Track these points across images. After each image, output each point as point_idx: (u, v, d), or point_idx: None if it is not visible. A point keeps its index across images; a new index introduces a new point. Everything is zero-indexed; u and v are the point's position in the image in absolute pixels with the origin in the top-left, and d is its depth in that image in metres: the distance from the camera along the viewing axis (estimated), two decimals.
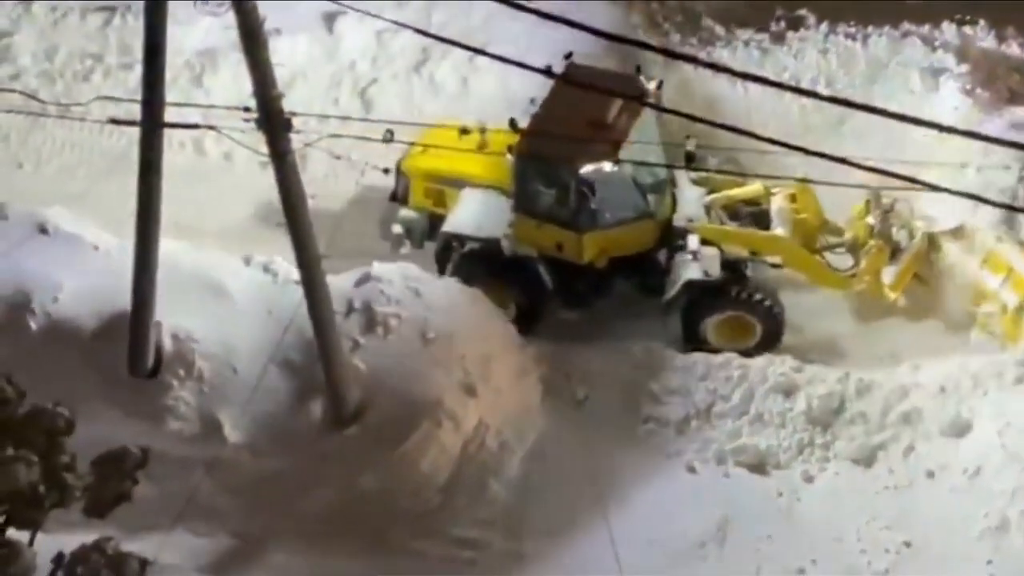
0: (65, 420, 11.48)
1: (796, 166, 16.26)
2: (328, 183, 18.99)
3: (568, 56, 16.46)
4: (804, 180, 16.21)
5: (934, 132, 10.13)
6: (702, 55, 18.83)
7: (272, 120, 13.29)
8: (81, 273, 16.09)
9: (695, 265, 16.52)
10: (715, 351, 16.74)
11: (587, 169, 15.93)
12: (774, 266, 17.02)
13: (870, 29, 19.42)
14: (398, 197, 17.94)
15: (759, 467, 15.81)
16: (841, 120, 18.32)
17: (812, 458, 15.85)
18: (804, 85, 18.16)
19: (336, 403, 15.31)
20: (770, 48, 19.60)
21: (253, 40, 12.99)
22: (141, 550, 12.18)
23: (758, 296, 16.67)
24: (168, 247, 14.99)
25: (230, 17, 13.03)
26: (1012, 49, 19.12)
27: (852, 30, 19.50)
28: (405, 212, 17.83)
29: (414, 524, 15.12)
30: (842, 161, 11.95)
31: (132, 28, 20.14)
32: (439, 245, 17.32)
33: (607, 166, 15.87)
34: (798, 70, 19.01)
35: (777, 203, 17.20)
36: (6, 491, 10.92)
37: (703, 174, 17.26)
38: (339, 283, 15.79)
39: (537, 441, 15.94)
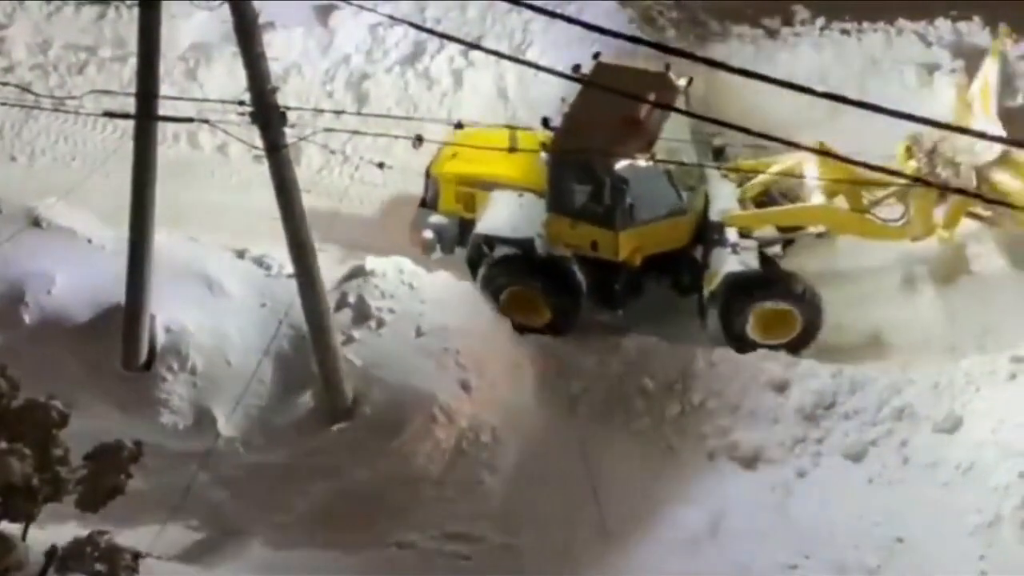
0: (59, 413, 11.49)
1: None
2: (322, 177, 19.02)
3: (596, 56, 16.44)
4: (818, 150, 15.81)
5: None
6: (698, 51, 18.82)
7: (266, 114, 13.29)
8: (75, 266, 16.08)
9: (734, 258, 16.45)
10: (755, 348, 16.63)
11: (622, 166, 15.88)
12: (819, 236, 16.83)
13: (865, 25, 19.41)
14: (428, 202, 17.73)
15: (752, 462, 15.84)
16: (835, 116, 18.32)
17: (805, 454, 15.88)
18: (799, 81, 18.15)
19: (330, 397, 15.32)
20: (765, 44, 19.59)
21: (247, 34, 12.98)
22: (134, 543, 12.18)
23: (797, 285, 16.55)
24: (162, 240, 14.99)
25: (225, 11, 13.02)
26: (1006, 46, 19.10)
27: (847, 26, 19.50)
28: (435, 217, 17.60)
29: (408, 518, 15.14)
30: (837, 158, 11.99)
31: (126, 21, 20.10)
32: (471, 248, 17.16)
33: (642, 163, 15.82)
34: (793, 66, 19.00)
35: (808, 174, 16.92)
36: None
37: (733, 169, 17.11)
38: (333, 277, 15.79)
39: (530, 435, 15.96)
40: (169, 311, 15.56)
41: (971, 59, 18.66)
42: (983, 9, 19.40)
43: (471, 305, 16.71)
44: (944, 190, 16.07)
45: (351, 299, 16.12)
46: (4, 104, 17.08)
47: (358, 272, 16.48)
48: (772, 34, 19.61)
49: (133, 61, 14.45)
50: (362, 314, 16.05)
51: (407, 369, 15.68)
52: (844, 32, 19.40)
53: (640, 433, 16.10)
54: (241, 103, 13.42)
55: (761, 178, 17.11)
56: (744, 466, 15.82)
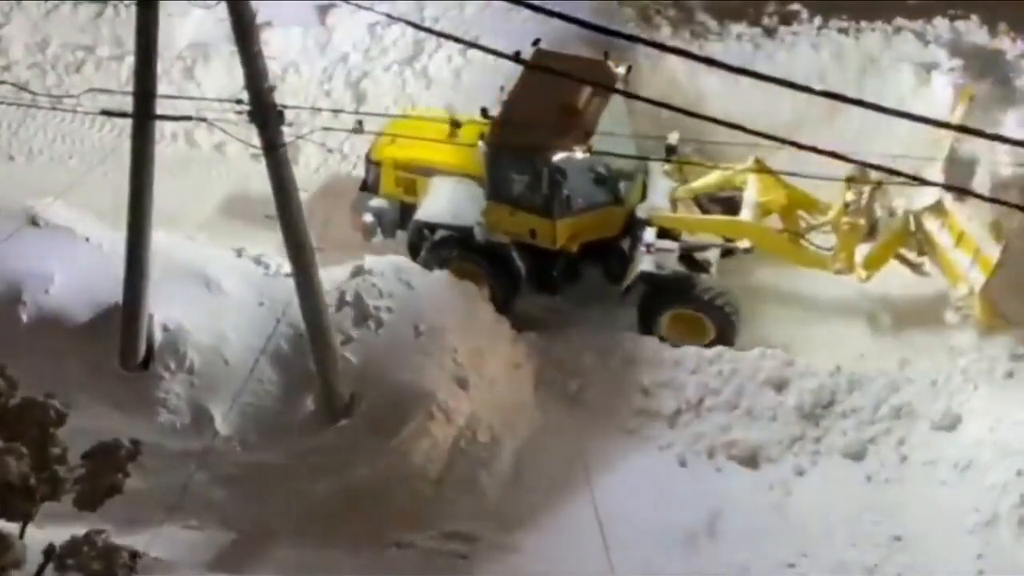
0: (56, 412, 11.48)
1: (788, 161, 16.34)
2: (320, 176, 19.01)
3: (536, 43, 16.48)
4: (761, 167, 16.29)
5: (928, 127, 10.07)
6: (694, 49, 18.81)
7: (264, 113, 13.28)
8: (72, 265, 16.08)
9: (649, 258, 16.59)
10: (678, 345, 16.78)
11: (559, 157, 15.97)
12: (746, 251, 16.94)
13: (862, 24, 19.40)
14: (368, 186, 17.94)
15: (750, 461, 15.84)
16: (833, 115, 18.32)
17: (803, 452, 15.88)
18: (796, 80, 18.14)
19: (328, 396, 15.31)
20: (762, 42, 19.58)
21: (245, 33, 12.97)
22: (132, 543, 12.17)
23: (712, 295, 16.64)
24: (160, 239, 14.97)
25: (222, 9, 13.01)
26: (1004, 44, 19.11)
27: (844, 25, 19.49)
28: (376, 201, 17.81)
29: (406, 517, 15.13)
30: (833, 155, 11.98)
31: (124, 20, 20.09)
32: (412, 233, 17.37)
33: (579, 153, 15.90)
34: (791, 65, 18.99)
35: (748, 188, 17.09)
36: None
37: (675, 167, 17.21)
38: (331, 276, 15.78)
39: (529, 434, 15.97)
40: (167, 310, 15.55)
41: (969, 58, 18.67)
42: (981, 8, 19.39)
43: (469, 304, 16.71)
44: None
45: (349, 298, 16.12)
46: (2, 103, 17.10)
47: (357, 271, 16.48)
48: (770, 33, 19.59)
49: (131, 60, 14.45)
50: (361, 313, 16.04)
51: (405, 368, 15.68)
52: (842, 31, 19.38)
53: (638, 431, 16.10)
54: (239, 102, 13.42)
55: (697, 183, 17.22)
56: (742, 464, 15.83)
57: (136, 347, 15.33)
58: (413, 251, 17.33)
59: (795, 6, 19.96)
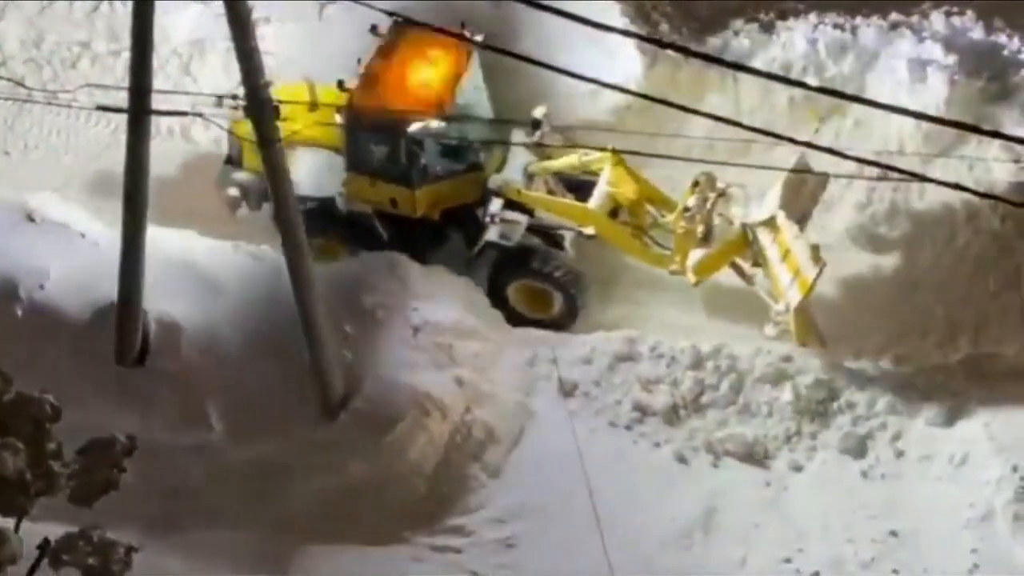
0: (51, 407, 11.43)
1: (784, 158, 16.37)
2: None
3: (392, 14, 16.59)
4: (615, 151, 16.37)
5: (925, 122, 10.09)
6: (692, 46, 18.79)
7: (260, 108, 13.27)
8: (68, 260, 16.08)
9: (496, 228, 16.77)
10: (520, 319, 17.06)
11: (415, 127, 16.01)
12: (588, 237, 16.99)
13: (859, 20, 19.38)
14: (232, 160, 17.94)
15: (747, 456, 15.85)
16: (830, 111, 18.33)
17: (800, 447, 15.89)
18: (793, 76, 18.14)
19: (323, 392, 15.31)
20: (759, 38, 19.56)
21: (241, 28, 12.96)
22: (127, 537, 12.15)
23: (557, 270, 16.85)
24: (155, 234, 14.97)
25: (219, 5, 13.00)
26: (1001, 40, 19.10)
27: (841, 20, 19.47)
28: (240, 174, 17.78)
29: (401, 513, 15.13)
30: (830, 151, 11.98)
31: (120, 15, 20.04)
32: None
33: (434, 123, 15.97)
34: (787, 60, 18.97)
35: (601, 177, 17.14)
36: None
37: (539, 142, 17.24)
38: (327, 272, 15.79)
39: (524, 429, 15.96)
40: (162, 305, 15.55)
41: (965, 54, 18.65)
42: (977, 4, 19.37)
43: (464, 300, 16.72)
44: None
45: (345, 294, 16.11)
46: None
47: (352, 267, 16.47)
48: (766, 28, 19.57)
49: (127, 55, 14.41)
50: (356, 309, 16.03)
51: (400, 364, 15.69)
52: (837, 27, 19.36)
53: (634, 427, 16.10)
54: (235, 97, 13.41)
55: (555, 162, 17.30)
56: (739, 460, 15.83)
57: (132, 343, 15.33)
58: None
59: (792, 2, 19.94)
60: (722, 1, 19.78)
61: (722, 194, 16.54)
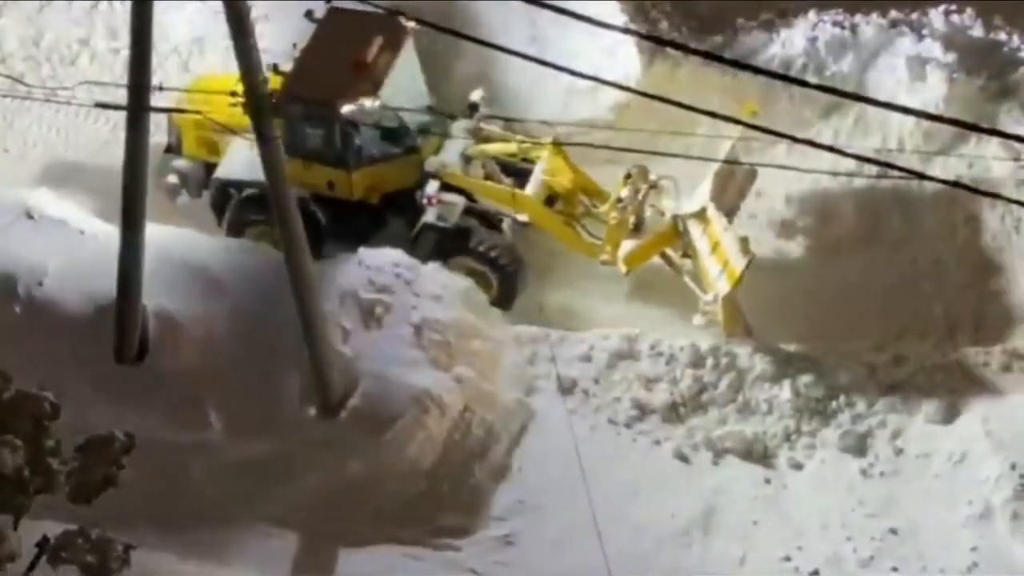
0: (50, 405, 11.44)
1: (780, 154, 16.40)
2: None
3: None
4: (557, 143, 16.70)
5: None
6: (691, 44, 18.77)
7: (259, 105, 13.27)
8: (67, 257, 16.06)
9: (433, 209, 16.88)
10: None
11: (349, 108, 16.02)
12: (524, 224, 17.14)
13: (858, 18, 19.38)
14: (172, 147, 18.02)
15: (746, 454, 15.84)
16: (829, 109, 18.34)
17: (799, 445, 15.89)
18: (793, 74, 18.15)
19: (322, 389, 15.30)
20: (759, 36, 19.56)
21: (240, 26, 12.95)
22: (126, 535, 12.15)
23: (492, 251, 16.96)
24: (154, 231, 14.96)
25: (218, 3, 12.98)
26: (1000, 38, 19.09)
27: (841, 18, 19.47)
28: (179, 162, 17.89)
29: (400, 510, 15.13)
30: (830, 149, 12.00)
31: (119, 12, 20.02)
32: (214, 193, 17.54)
33: (368, 104, 15.99)
34: (787, 58, 18.97)
35: (538, 165, 17.27)
36: None
37: (475, 126, 17.37)
38: (327, 269, 15.78)
39: (523, 427, 15.96)
40: (161, 301, 15.54)
41: (964, 52, 18.65)
42: (977, 1, 19.37)
43: (464, 298, 16.71)
44: None
45: (345, 292, 16.10)
46: None
47: (352, 265, 16.46)
48: (766, 26, 19.57)
49: (126, 53, 14.40)
50: (356, 307, 16.03)
51: (399, 361, 15.68)
52: (837, 24, 19.36)
53: (633, 425, 16.10)
54: (233, 94, 13.41)
55: (492, 146, 17.39)
56: (738, 458, 15.83)
57: (130, 339, 15.32)
58: (218, 211, 17.52)
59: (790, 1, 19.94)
60: (722, 0, 19.79)
61: (654, 186, 16.81)
